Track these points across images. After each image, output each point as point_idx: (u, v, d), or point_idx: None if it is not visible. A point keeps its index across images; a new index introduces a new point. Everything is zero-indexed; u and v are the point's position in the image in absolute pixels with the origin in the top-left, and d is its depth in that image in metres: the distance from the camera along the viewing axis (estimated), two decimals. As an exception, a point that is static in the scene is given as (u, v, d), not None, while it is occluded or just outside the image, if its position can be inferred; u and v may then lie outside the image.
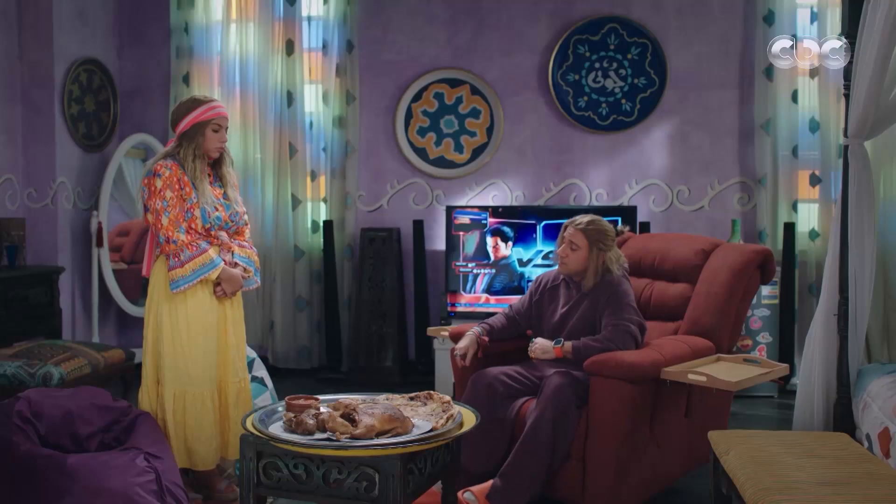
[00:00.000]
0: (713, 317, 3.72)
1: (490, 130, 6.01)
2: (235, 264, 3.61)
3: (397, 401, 3.12)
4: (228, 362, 3.60)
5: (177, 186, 3.46)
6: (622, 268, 3.71)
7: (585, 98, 5.88)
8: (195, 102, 3.55)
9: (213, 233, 3.55)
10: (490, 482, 3.39)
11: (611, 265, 3.64)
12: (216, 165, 3.65)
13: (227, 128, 3.61)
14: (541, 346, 3.60)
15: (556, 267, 3.80)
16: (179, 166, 3.49)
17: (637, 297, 4.03)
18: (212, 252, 3.52)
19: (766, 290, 5.32)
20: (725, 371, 3.42)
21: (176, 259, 3.44)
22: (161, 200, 3.44)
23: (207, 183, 3.56)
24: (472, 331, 3.77)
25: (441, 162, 6.08)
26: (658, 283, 4.03)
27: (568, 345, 3.54)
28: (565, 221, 3.75)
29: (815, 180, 5.59)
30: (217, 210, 3.54)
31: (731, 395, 3.92)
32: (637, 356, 3.33)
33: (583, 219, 3.69)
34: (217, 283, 3.54)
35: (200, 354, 3.50)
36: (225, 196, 3.63)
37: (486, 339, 3.76)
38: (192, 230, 3.49)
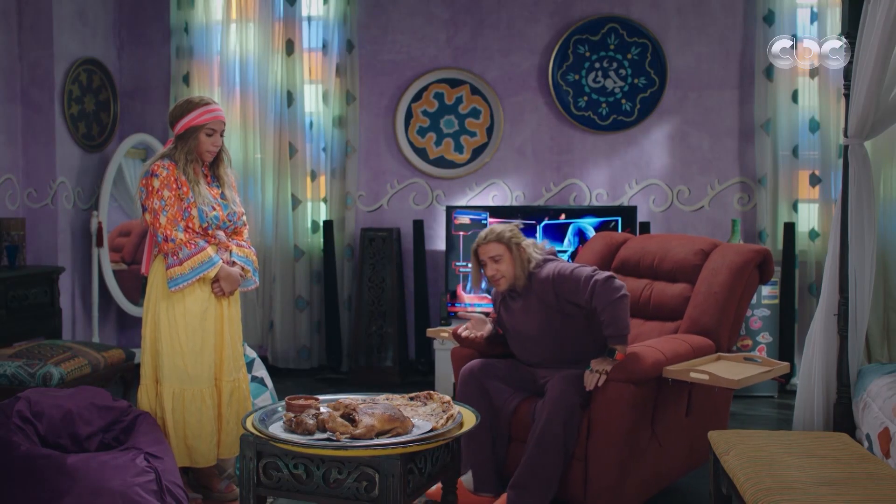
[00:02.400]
0: (713, 316, 3.73)
1: (490, 130, 6.01)
2: (233, 263, 3.61)
3: (397, 401, 3.13)
4: (223, 361, 3.60)
5: (174, 186, 3.47)
6: (542, 250, 3.65)
7: (585, 98, 5.88)
8: (190, 105, 3.53)
9: (210, 232, 3.55)
10: (503, 496, 3.39)
11: (531, 252, 3.59)
12: (214, 166, 3.65)
13: (222, 131, 3.58)
14: (600, 365, 3.33)
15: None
16: (176, 166, 3.50)
17: (636, 298, 4.03)
18: (210, 250, 3.52)
19: (766, 290, 5.33)
20: (726, 370, 3.43)
21: (174, 257, 3.45)
22: (159, 200, 3.45)
23: (203, 184, 3.56)
24: (492, 320, 3.78)
25: (441, 162, 6.08)
26: (657, 283, 4.04)
27: (618, 347, 3.35)
28: (471, 248, 3.66)
29: (815, 180, 5.59)
30: (214, 209, 3.55)
31: (731, 395, 3.93)
32: (639, 357, 3.33)
33: (483, 234, 3.64)
34: (215, 282, 3.54)
35: (198, 352, 3.50)
36: (222, 196, 3.63)
37: (501, 330, 3.77)
38: (190, 229, 3.50)
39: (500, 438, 3.55)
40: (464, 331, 3.77)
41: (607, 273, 3.45)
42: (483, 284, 3.73)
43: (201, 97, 3.61)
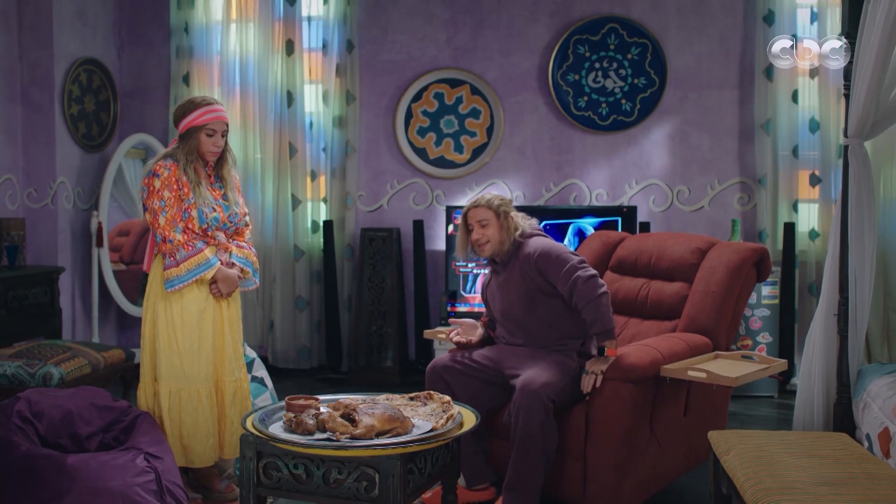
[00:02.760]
0: (710, 315, 3.72)
1: (490, 130, 6.01)
2: (232, 264, 3.61)
3: (397, 401, 3.12)
4: (225, 361, 3.60)
5: (175, 186, 3.47)
6: (531, 225, 3.67)
7: (585, 98, 5.88)
8: (191, 105, 3.53)
9: (209, 233, 3.55)
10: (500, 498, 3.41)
11: (520, 222, 3.62)
12: (218, 167, 3.65)
13: (224, 132, 3.57)
14: (595, 366, 3.33)
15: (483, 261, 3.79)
16: (178, 166, 3.50)
17: (633, 297, 4.03)
18: (208, 252, 3.52)
19: (766, 290, 5.33)
20: (724, 368, 3.43)
21: (171, 258, 3.45)
22: (159, 200, 3.45)
23: (205, 185, 3.56)
24: (482, 323, 3.79)
25: (441, 162, 6.08)
26: (654, 282, 4.03)
27: (608, 343, 3.35)
28: (460, 212, 3.71)
29: (815, 180, 5.59)
30: (215, 211, 3.54)
31: (730, 393, 3.92)
32: (637, 356, 3.33)
33: (474, 199, 3.68)
34: (213, 283, 3.54)
35: (196, 352, 3.49)
36: (224, 197, 3.62)
37: (493, 332, 3.77)
38: (189, 230, 3.50)
39: (478, 433, 3.55)
40: (455, 336, 3.77)
41: (591, 272, 3.43)
42: (468, 251, 3.70)
43: (204, 97, 3.59)
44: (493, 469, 3.62)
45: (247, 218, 3.75)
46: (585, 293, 3.37)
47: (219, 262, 3.54)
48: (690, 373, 3.30)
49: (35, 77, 5.75)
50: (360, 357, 5.88)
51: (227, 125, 3.60)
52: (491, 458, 3.62)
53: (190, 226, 3.50)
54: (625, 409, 3.29)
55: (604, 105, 5.87)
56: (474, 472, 3.59)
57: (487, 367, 3.59)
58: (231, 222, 3.63)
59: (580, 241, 5.44)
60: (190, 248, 3.47)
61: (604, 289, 3.39)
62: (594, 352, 3.53)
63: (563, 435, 3.38)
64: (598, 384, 3.30)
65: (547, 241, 3.59)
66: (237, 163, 5.93)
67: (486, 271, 3.84)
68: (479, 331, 3.77)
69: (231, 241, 3.67)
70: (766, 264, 3.86)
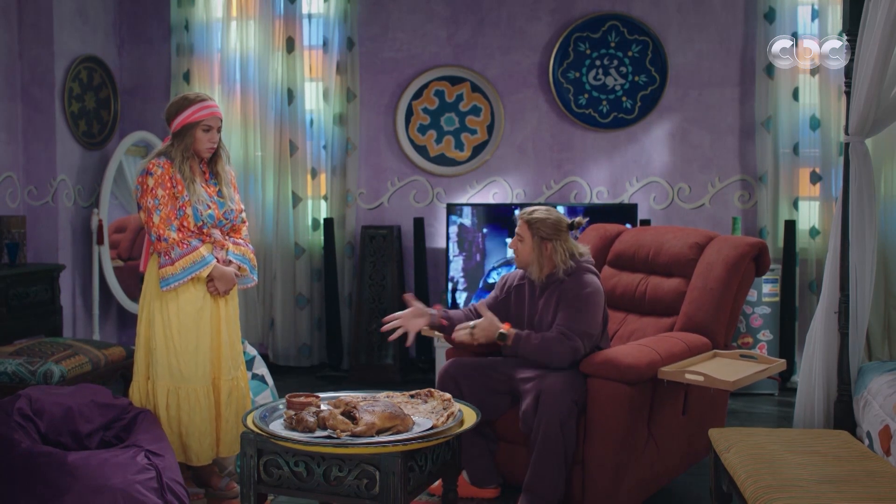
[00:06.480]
0: (708, 312, 3.71)
1: (490, 128, 6.01)
2: (229, 262, 3.59)
3: (398, 398, 3.13)
4: (221, 360, 3.58)
5: (168, 185, 3.45)
6: (580, 260, 3.55)
7: (586, 96, 5.88)
8: (186, 101, 3.51)
9: (205, 231, 3.54)
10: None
11: (557, 257, 3.50)
12: (212, 162, 3.62)
13: (219, 127, 3.55)
14: (483, 329, 3.43)
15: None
16: (172, 164, 3.48)
17: (632, 293, 4.01)
18: (203, 250, 3.50)
19: (766, 287, 5.33)
20: (722, 368, 3.41)
21: (167, 257, 3.43)
22: (153, 199, 3.43)
23: (199, 182, 3.54)
24: (434, 313, 3.63)
25: (441, 160, 6.08)
26: (653, 277, 4.01)
27: (510, 337, 3.45)
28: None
29: (815, 178, 5.59)
30: (210, 208, 3.52)
31: (729, 392, 3.91)
32: (634, 357, 3.31)
33: (529, 209, 3.60)
34: (210, 281, 3.52)
35: (192, 352, 3.48)
36: (219, 194, 3.60)
37: (445, 322, 3.63)
38: (185, 228, 3.48)
39: (486, 434, 3.56)
40: (394, 325, 3.58)
41: (586, 339, 3.39)
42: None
43: (197, 94, 3.58)
44: (500, 471, 3.62)
45: (243, 214, 3.72)
46: (557, 344, 3.38)
47: (215, 260, 3.53)
48: (688, 376, 3.27)
49: (35, 75, 5.75)
50: (361, 355, 5.88)
51: (221, 120, 3.58)
52: (497, 465, 3.61)
53: (185, 224, 3.48)
54: (622, 410, 3.27)
55: (604, 103, 5.86)
56: (482, 474, 3.58)
57: (498, 374, 3.58)
58: (227, 219, 3.61)
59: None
60: (185, 245, 3.45)
61: (559, 358, 3.38)
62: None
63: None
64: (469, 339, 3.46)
65: (592, 294, 3.47)
66: (237, 160, 6.00)
67: (512, 270, 3.75)
68: (421, 321, 3.59)
69: (227, 238, 3.65)
70: (764, 258, 3.84)
